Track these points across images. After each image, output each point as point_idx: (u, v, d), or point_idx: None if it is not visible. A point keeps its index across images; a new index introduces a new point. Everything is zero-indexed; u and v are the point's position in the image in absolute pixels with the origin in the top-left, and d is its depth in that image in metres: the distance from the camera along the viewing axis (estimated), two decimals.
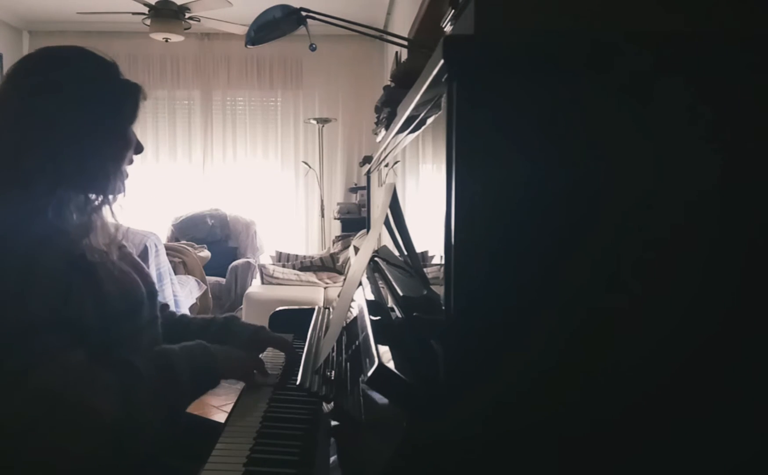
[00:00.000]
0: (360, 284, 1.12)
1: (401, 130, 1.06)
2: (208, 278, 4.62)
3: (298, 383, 1.04)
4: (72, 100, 1.02)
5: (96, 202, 1.07)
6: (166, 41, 4.63)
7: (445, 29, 0.82)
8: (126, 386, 0.96)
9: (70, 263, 0.97)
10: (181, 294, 3.90)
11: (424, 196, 0.96)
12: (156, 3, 4.36)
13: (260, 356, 1.32)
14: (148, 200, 5.59)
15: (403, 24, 3.72)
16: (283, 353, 1.38)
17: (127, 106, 1.09)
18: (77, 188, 1.03)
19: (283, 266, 4.59)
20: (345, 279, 3.04)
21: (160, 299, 1.23)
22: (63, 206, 1.00)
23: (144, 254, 3.55)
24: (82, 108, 1.03)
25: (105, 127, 1.05)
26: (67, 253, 0.98)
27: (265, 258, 5.16)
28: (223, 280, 4.82)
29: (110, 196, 1.09)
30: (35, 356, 0.90)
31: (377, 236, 1.38)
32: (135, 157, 1.16)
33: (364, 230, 3.97)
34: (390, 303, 1.00)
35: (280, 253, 4.93)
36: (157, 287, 1.22)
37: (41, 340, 0.91)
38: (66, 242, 0.99)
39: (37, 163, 0.98)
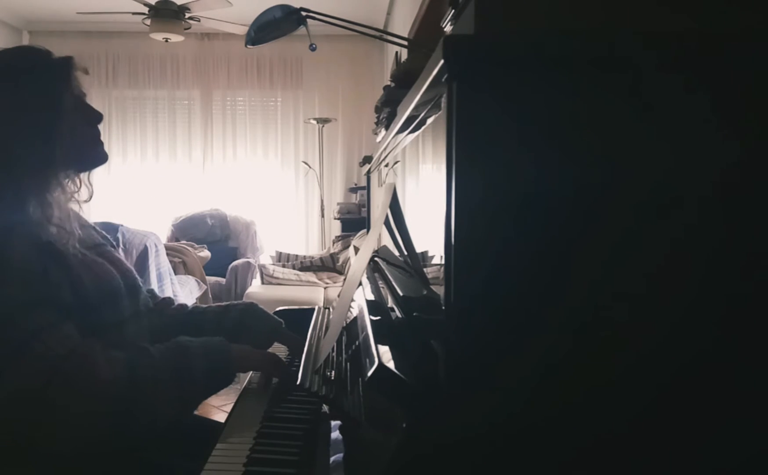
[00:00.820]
0: (360, 284, 1.12)
1: (401, 130, 1.06)
2: (208, 278, 4.62)
3: (298, 382, 1.05)
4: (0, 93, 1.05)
5: (47, 182, 1.07)
6: (166, 41, 4.64)
7: (445, 29, 0.82)
8: (133, 362, 0.98)
9: (39, 248, 0.99)
10: (181, 294, 3.90)
11: (424, 196, 0.96)
12: (156, 3, 4.36)
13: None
14: (148, 200, 5.61)
15: (403, 24, 3.72)
16: (284, 348, 1.38)
17: (58, 81, 1.10)
18: (27, 171, 1.04)
19: (283, 266, 4.59)
20: (345, 279, 3.04)
21: (162, 294, 1.23)
22: (18, 192, 1.01)
23: (144, 254, 3.55)
24: (11, 98, 1.05)
25: (41, 107, 1.07)
26: (35, 238, 0.99)
27: (265, 258, 5.16)
28: (223, 280, 4.82)
29: (62, 173, 1.10)
30: (26, 335, 0.91)
31: (377, 236, 1.38)
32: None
33: (364, 230, 3.97)
34: (390, 303, 1.00)
35: (280, 253, 4.93)
36: (156, 287, 1.23)
37: (32, 315, 0.93)
38: (32, 228, 1.00)
39: None
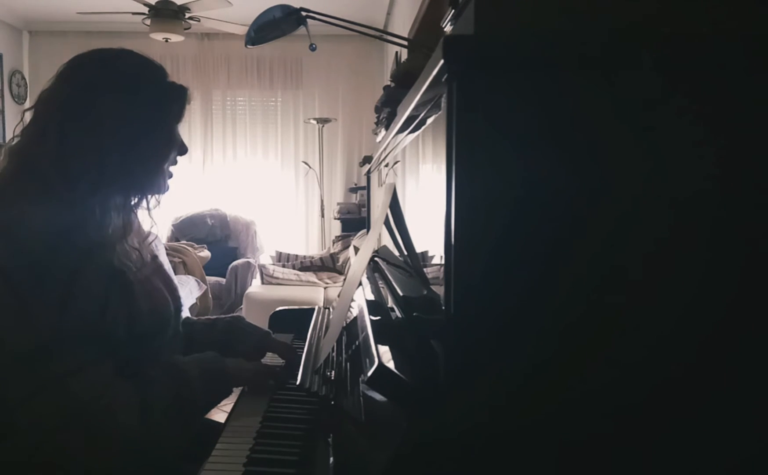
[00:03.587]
0: (360, 284, 1.12)
1: (401, 130, 1.06)
2: (208, 278, 4.61)
3: (298, 382, 1.05)
4: (118, 101, 1.02)
5: (134, 202, 1.08)
6: (166, 41, 4.63)
7: (445, 29, 0.82)
8: (144, 401, 0.97)
9: (110, 276, 0.98)
10: (181, 294, 3.89)
11: (424, 196, 0.96)
12: (156, 3, 4.36)
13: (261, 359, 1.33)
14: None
15: (403, 24, 3.72)
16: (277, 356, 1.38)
17: (174, 108, 1.10)
18: (119, 189, 1.03)
19: (283, 266, 4.59)
20: (345, 279, 3.04)
21: None
22: (105, 210, 1.00)
23: None
24: (128, 109, 1.02)
25: (150, 128, 1.05)
26: (108, 265, 0.98)
27: (265, 258, 5.16)
28: (223, 280, 4.82)
29: (149, 196, 1.10)
30: (68, 365, 0.91)
31: (377, 236, 1.38)
32: (179, 160, 1.18)
33: (364, 230, 3.97)
34: (390, 303, 1.00)
35: (280, 253, 4.93)
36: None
37: (75, 350, 0.92)
38: (108, 254, 0.99)
39: (83, 165, 0.98)
